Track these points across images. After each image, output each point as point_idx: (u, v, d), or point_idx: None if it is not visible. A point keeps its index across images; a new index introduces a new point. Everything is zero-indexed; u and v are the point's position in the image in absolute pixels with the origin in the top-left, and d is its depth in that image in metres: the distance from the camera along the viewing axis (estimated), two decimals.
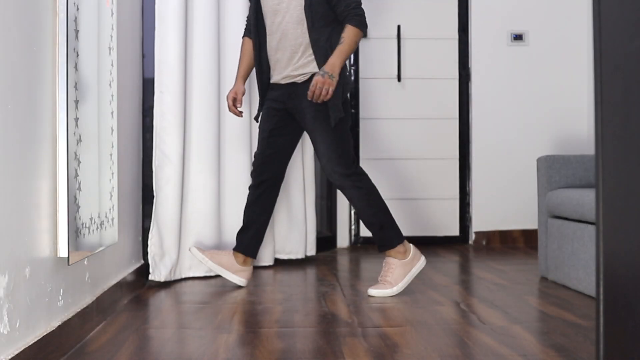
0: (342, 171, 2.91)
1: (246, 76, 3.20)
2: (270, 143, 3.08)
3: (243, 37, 3.23)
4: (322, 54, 2.92)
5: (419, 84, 4.64)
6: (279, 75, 3.02)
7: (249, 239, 3.11)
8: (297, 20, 2.94)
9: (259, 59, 3.09)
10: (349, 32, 2.89)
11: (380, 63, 4.62)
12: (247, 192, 3.51)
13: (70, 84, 1.97)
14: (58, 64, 1.93)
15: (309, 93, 2.86)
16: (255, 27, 3.08)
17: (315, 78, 2.85)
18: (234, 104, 3.14)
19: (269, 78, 3.10)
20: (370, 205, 2.93)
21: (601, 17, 1.07)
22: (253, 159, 3.18)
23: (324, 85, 2.83)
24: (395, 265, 2.90)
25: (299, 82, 2.98)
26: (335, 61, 2.87)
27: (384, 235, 2.93)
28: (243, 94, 3.16)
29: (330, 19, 2.94)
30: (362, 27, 2.92)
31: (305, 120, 2.97)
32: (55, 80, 1.93)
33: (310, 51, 2.95)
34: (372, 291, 2.86)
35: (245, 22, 3.27)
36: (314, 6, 2.91)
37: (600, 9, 1.08)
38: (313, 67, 2.95)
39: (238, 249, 3.10)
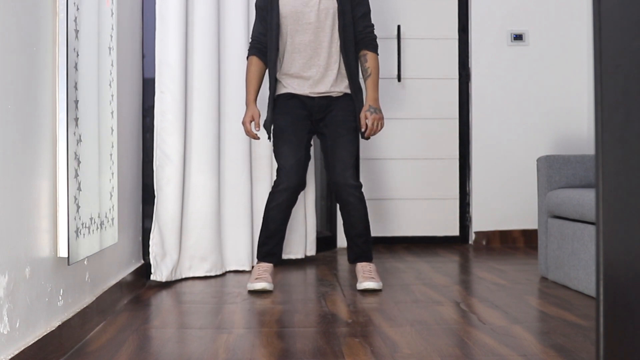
0: (355, 182, 3.08)
1: (256, 98, 3.19)
2: (306, 149, 3.13)
3: (250, 56, 3.19)
4: (354, 76, 3.14)
5: (419, 84, 4.64)
6: (309, 89, 3.12)
7: (281, 248, 3.15)
8: (329, 40, 3.09)
9: (274, 74, 3.14)
10: (373, 61, 3.16)
11: (380, 63, 4.60)
12: (247, 192, 3.52)
13: (70, 84, 1.97)
14: (58, 64, 1.93)
15: (369, 131, 3.09)
16: (276, 44, 3.10)
17: (371, 116, 3.08)
18: (252, 128, 3.15)
19: (275, 91, 3.17)
20: (366, 219, 3.12)
21: (601, 17, 1.07)
22: (283, 166, 3.06)
23: (380, 121, 3.10)
24: (374, 268, 3.12)
25: (334, 96, 3.15)
26: (376, 95, 3.15)
27: (369, 247, 3.15)
28: (259, 116, 3.14)
29: (354, 41, 3.14)
30: (377, 52, 3.20)
31: (337, 130, 3.10)
32: (55, 80, 1.93)
33: (343, 70, 3.14)
34: (370, 284, 2.97)
35: (250, 40, 3.23)
36: (347, 28, 3.09)
37: (600, 9, 1.08)
38: (347, 85, 3.15)
39: (276, 261, 3.13)
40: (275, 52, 3.11)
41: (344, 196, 3.07)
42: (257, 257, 3.14)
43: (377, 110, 3.11)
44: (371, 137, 3.22)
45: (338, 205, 3.18)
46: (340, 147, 3.08)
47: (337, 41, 3.10)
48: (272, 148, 3.17)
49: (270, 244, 3.11)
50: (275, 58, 3.11)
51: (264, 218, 3.12)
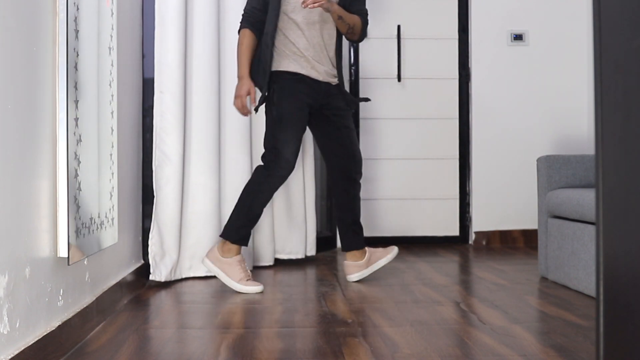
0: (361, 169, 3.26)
1: (250, 71, 3.14)
2: (301, 132, 3.11)
3: (243, 29, 3.13)
4: (341, 65, 3.23)
5: (419, 84, 4.64)
6: (316, 70, 3.12)
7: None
8: (329, 21, 3.12)
9: (271, 51, 3.07)
10: (356, 17, 3.16)
11: (380, 63, 4.61)
12: None
13: (70, 84, 1.97)
14: (58, 64, 1.93)
15: None
16: (275, 21, 3.06)
17: None
18: (247, 102, 3.12)
19: (265, 68, 3.08)
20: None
21: (601, 17, 1.07)
22: (284, 151, 3.01)
23: None
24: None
25: (333, 84, 3.19)
26: (339, 8, 3.05)
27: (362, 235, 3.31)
28: (255, 91, 3.13)
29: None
30: (365, 30, 3.22)
31: (344, 119, 3.20)
32: (55, 80, 1.93)
33: (338, 59, 3.21)
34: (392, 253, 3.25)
35: (244, 13, 3.17)
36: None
37: (600, 8, 1.08)
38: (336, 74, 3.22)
39: (246, 244, 3.12)
40: (274, 30, 3.07)
41: (358, 178, 3.23)
42: (231, 237, 3.02)
43: None
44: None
45: (342, 193, 3.21)
46: (349, 139, 3.21)
47: (333, 24, 3.12)
48: (270, 130, 3.07)
49: (249, 226, 3.05)
50: (273, 35, 3.06)
51: (249, 200, 3.02)
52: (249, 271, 3.04)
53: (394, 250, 3.32)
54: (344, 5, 3.14)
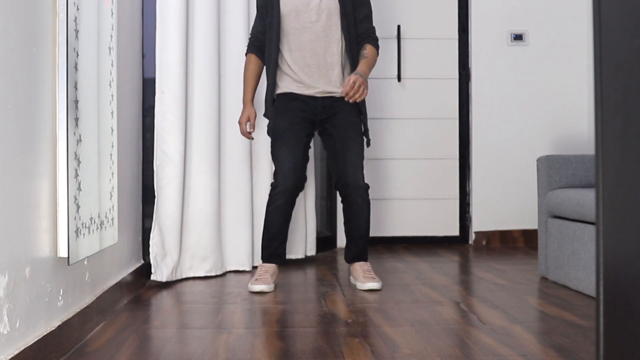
0: (363, 183, 3.11)
1: (254, 97, 3.24)
2: (304, 151, 3.12)
3: (248, 53, 3.23)
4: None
5: (419, 84, 4.64)
6: (312, 89, 3.12)
7: (284, 248, 3.16)
8: (330, 40, 3.11)
9: (273, 73, 3.14)
10: (371, 50, 3.16)
11: (380, 63, 4.61)
12: (247, 191, 3.52)
13: (70, 84, 1.97)
14: (58, 64, 1.93)
15: (346, 89, 2.96)
16: (277, 43, 3.11)
17: (352, 76, 2.97)
18: (247, 128, 3.22)
19: (274, 91, 3.17)
20: (369, 220, 3.17)
21: (601, 17, 1.07)
22: (280, 168, 3.06)
23: (362, 84, 2.99)
24: (371, 267, 3.16)
25: (337, 96, 3.15)
26: (365, 69, 3.09)
27: (367, 248, 3.20)
28: (255, 117, 3.21)
29: (356, 42, 3.17)
30: (378, 51, 3.20)
31: (346, 132, 3.12)
32: (55, 80, 1.93)
33: (346, 71, 3.16)
34: (373, 284, 2.99)
35: (250, 37, 3.26)
36: (350, 28, 3.11)
37: (600, 9, 1.08)
38: None
39: (280, 261, 3.14)
40: (276, 51, 3.11)
41: (354, 197, 3.09)
42: (261, 258, 3.15)
43: (363, 76, 3.01)
44: (366, 127, 3.20)
45: (342, 206, 3.18)
46: (350, 150, 3.10)
47: (339, 41, 3.11)
48: (270, 149, 3.17)
49: (272, 246, 3.12)
50: (275, 57, 3.12)
51: (265, 220, 3.12)
52: (267, 276, 3.05)
53: (370, 283, 3.00)
54: (354, 20, 3.14)
